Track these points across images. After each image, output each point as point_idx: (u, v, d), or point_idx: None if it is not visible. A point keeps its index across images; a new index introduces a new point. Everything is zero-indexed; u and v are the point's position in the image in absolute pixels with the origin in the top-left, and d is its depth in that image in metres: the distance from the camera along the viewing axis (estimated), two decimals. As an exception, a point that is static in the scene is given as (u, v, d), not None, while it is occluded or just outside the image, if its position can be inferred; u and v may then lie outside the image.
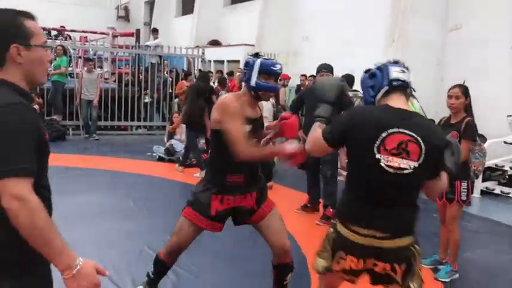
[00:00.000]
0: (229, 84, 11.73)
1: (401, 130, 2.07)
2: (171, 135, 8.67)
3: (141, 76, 11.70)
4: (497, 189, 6.58)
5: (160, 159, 8.24)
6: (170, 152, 8.20)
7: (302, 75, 10.30)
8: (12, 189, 1.37)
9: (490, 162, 6.63)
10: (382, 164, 2.07)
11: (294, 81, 10.88)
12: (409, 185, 2.12)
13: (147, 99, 11.51)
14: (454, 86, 3.87)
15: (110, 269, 3.63)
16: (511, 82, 7.06)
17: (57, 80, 10.17)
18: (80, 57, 11.59)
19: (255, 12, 13.56)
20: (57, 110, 10.30)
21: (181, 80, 10.88)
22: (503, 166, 6.71)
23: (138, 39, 13.38)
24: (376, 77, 2.23)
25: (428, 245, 4.31)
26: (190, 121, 7.18)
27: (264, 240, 2.91)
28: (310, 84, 8.47)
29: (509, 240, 5.15)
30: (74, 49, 11.16)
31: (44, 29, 12.41)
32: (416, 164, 2.07)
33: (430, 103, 6.55)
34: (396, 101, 2.17)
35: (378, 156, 2.07)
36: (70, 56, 10.72)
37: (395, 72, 2.20)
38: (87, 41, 13.84)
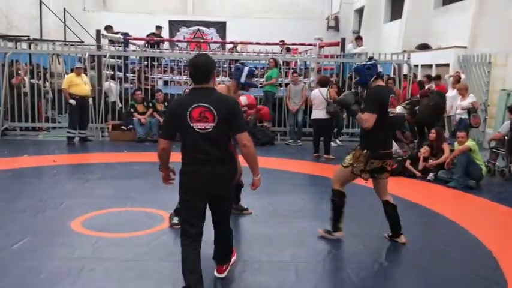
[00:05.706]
0: (439, 89, 11.01)
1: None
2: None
3: (345, 84, 12.00)
4: None
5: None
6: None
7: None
8: (246, 137, 3.21)
9: None
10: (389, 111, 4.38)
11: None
12: None
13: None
14: None
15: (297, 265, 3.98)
16: None
17: (268, 90, 11.20)
18: (289, 68, 12.45)
19: (468, 12, 12.64)
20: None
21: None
22: None
23: (343, 48, 13.71)
24: (370, 70, 4.38)
25: None
26: None
27: None
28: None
29: None
30: (284, 61, 12.09)
31: (262, 44, 13.69)
32: None
33: None
34: (381, 83, 4.63)
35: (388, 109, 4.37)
36: (280, 68, 11.67)
37: (379, 67, 4.44)
38: (297, 53, 14.73)
